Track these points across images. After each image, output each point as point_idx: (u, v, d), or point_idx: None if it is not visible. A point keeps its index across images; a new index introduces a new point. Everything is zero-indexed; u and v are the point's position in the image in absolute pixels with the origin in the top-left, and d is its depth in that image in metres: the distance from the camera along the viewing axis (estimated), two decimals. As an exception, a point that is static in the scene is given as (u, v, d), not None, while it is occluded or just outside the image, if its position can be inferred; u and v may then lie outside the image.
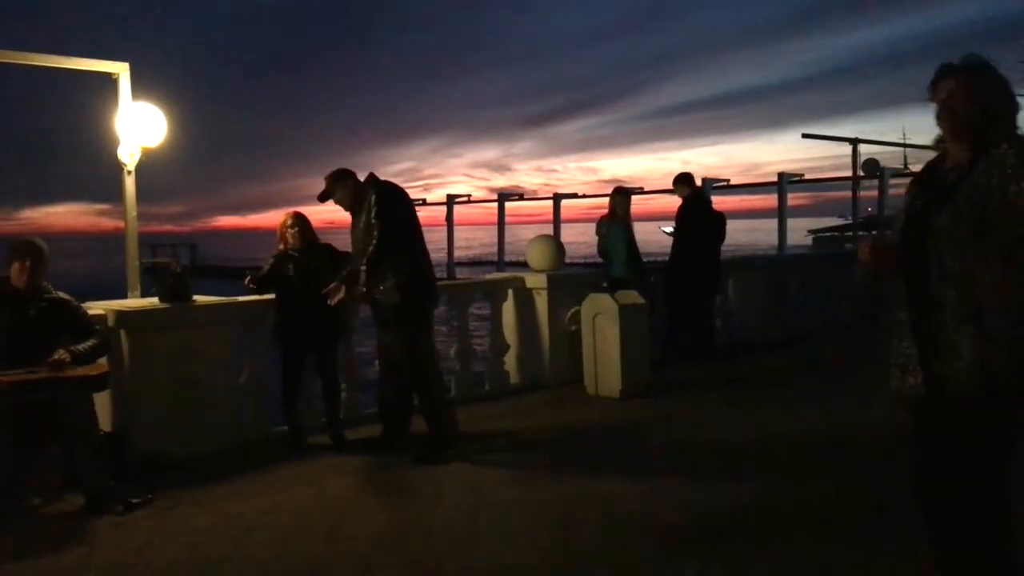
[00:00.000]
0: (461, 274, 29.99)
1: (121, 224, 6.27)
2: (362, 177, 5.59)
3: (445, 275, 26.34)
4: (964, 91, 2.66)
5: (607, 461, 5.25)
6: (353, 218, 5.56)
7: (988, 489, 2.66)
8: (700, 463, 5.18)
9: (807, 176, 22.83)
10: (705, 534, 3.99)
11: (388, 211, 5.38)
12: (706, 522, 4.16)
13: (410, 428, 5.64)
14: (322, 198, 5.60)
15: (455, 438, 5.57)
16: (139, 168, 6.15)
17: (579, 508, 4.41)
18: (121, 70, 6.08)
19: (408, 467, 5.23)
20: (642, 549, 3.84)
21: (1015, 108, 2.69)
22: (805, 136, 18.41)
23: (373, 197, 5.39)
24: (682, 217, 8.73)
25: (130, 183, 6.13)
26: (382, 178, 5.57)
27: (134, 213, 6.19)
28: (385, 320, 5.54)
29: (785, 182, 20.48)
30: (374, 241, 5.30)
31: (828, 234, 36.04)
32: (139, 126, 6.04)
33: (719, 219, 8.84)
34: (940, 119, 2.72)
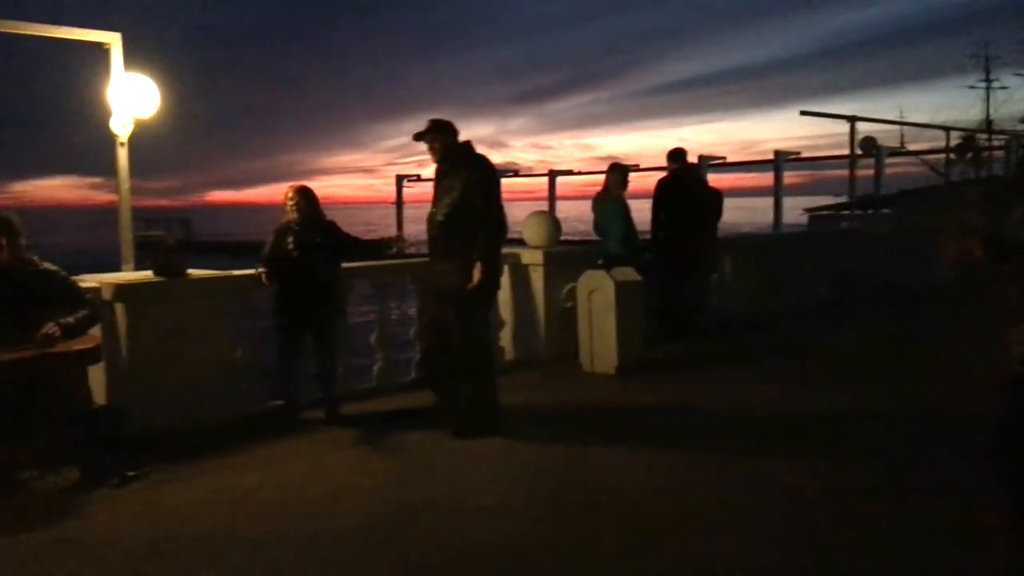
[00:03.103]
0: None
1: (114, 197, 6.22)
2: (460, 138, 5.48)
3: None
4: None
5: (602, 436, 5.25)
6: (438, 173, 5.49)
7: None
8: (697, 437, 5.19)
9: (804, 154, 22.72)
10: (686, 507, 4.02)
11: (496, 195, 5.38)
12: (692, 496, 4.18)
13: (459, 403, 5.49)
14: (416, 138, 5.52)
15: (495, 419, 5.43)
16: (132, 141, 6.09)
17: (575, 482, 4.43)
18: (113, 40, 6.01)
19: (402, 442, 5.24)
20: (633, 528, 3.86)
21: None
22: (803, 113, 18.36)
23: (477, 174, 5.31)
24: (659, 192, 8.58)
25: (123, 155, 6.07)
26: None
27: (127, 185, 6.14)
28: (449, 297, 5.36)
29: (781, 160, 20.39)
30: (487, 229, 5.25)
31: (824, 212, 35.94)
32: (132, 97, 5.98)
33: (714, 196, 8.75)
34: None
